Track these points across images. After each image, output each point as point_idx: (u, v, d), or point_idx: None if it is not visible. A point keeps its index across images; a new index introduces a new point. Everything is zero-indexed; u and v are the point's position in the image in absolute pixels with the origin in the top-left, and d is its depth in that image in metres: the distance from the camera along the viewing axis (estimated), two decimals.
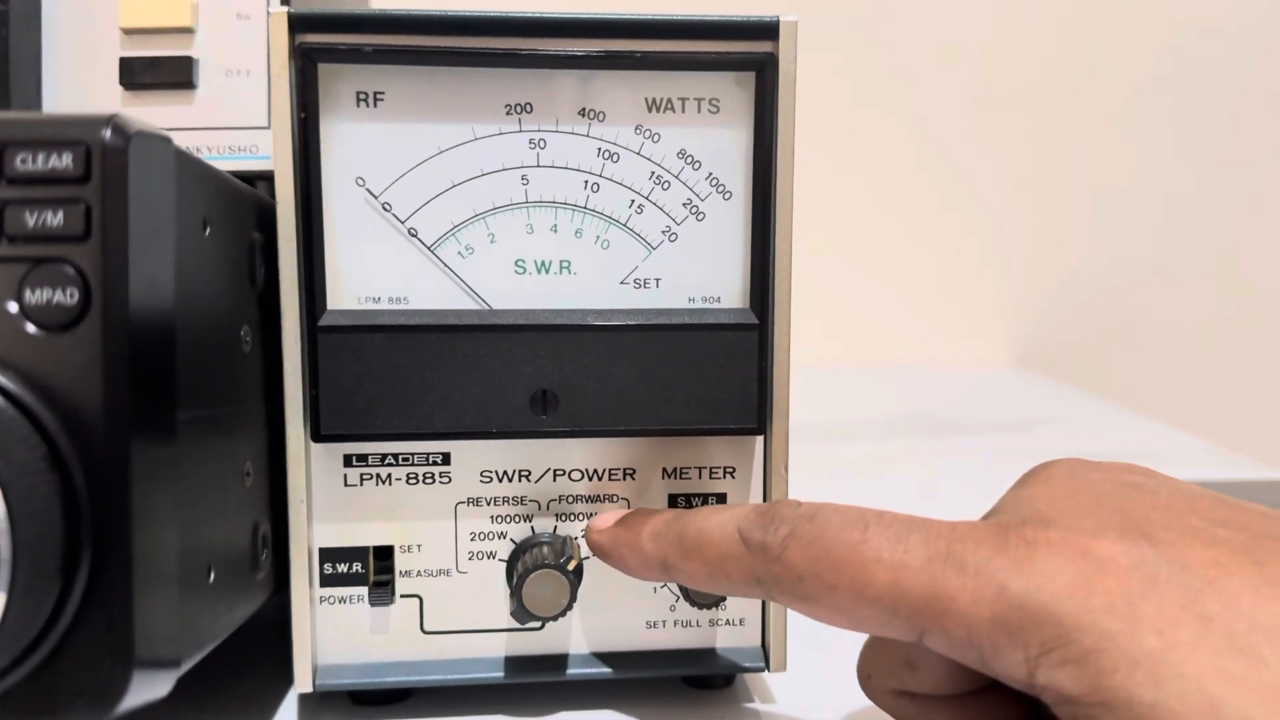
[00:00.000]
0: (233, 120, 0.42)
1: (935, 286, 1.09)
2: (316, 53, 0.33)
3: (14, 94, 0.41)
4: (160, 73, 0.42)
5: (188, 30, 0.42)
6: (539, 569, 0.34)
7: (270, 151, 0.42)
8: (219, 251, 0.30)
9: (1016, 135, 1.11)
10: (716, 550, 0.30)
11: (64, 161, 0.24)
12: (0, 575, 0.21)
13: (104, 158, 0.24)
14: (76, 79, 0.42)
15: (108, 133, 0.24)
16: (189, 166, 0.28)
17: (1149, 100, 1.13)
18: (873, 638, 0.32)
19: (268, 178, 0.41)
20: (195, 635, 0.28)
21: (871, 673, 0.32)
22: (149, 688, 0.25)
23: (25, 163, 0.24)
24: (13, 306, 0.24)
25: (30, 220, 0.24)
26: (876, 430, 0.80)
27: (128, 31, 0.42)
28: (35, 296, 0.24)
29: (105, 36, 0.42)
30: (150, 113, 0.42)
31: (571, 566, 0.35)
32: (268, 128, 0.42)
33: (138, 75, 0.42)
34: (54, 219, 0.24)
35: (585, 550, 0.36)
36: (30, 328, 0.24)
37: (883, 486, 0.66)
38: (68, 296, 0.24)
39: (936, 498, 0.62)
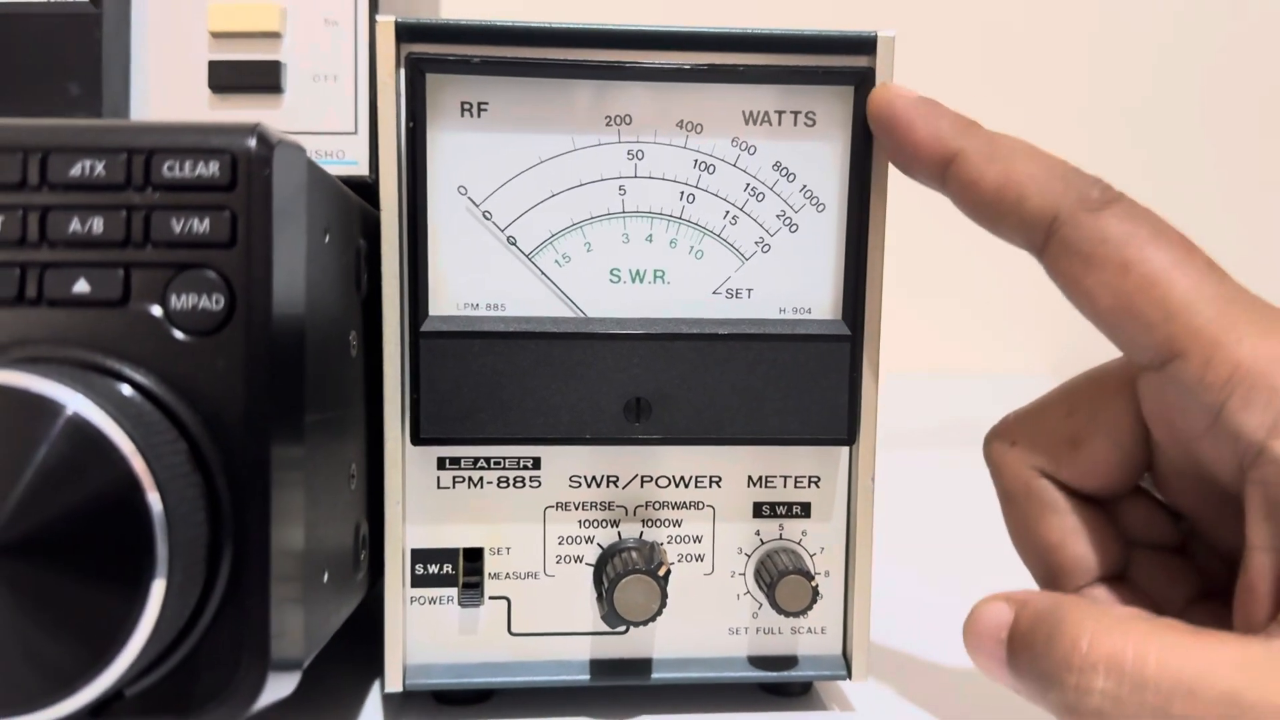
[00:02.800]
0: (319, 125, 0.42)
1: (973, 293, 1.09)
2: (426, 63, 0.33)
3: (106, 96, 0.42)
4: (248, 76, 0.42)
5: (275, 35, 0.42)
6: (631, 574, 0.35)
7: (357, 156, 0.42)
8: (335, 258, 0.30)
9: (1059, 142, 1.11)
10: (1029, 169, 0.29)
11: (210, 169, 0.24)
12: (158, 576, 0.22)
13: (250, 166, 0.24)
14: (165, 81, 0.43)
15: (253, 142, 0.25)
16: (316, 174, 0.28)
17: (1201, 111, 1.13)
18: (1037, 409, 0.32)
19: (354, 183, 0.41)
20: (313, 635, 0.28)
21: (1020, 440, 0.32)
22: (279, 688, 0.26)
23: (172, 170, 0.24)
24: (156, 310, 0.24)
25: (176, 226, 0.24)
26: (918, 438, 0.80)
27: (216, 35, 0.42)
28: (181, 302, 0.24)
29: (194, 40, 0.42)
30: (238, 116, 0.42)
31: (662, 572, 0.35)
32: (355, 133, 0.42)
33: (226, 78, 0.42)
34: (200, 225, 0.24)
35: (673, 556, 0.37)
36: (175, 332, 0.24)
37: (930, 496, 0.66)
38: (213, 302, 0.24)
39: (984, 510, 0.62)
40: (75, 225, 0.24)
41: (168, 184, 0.24)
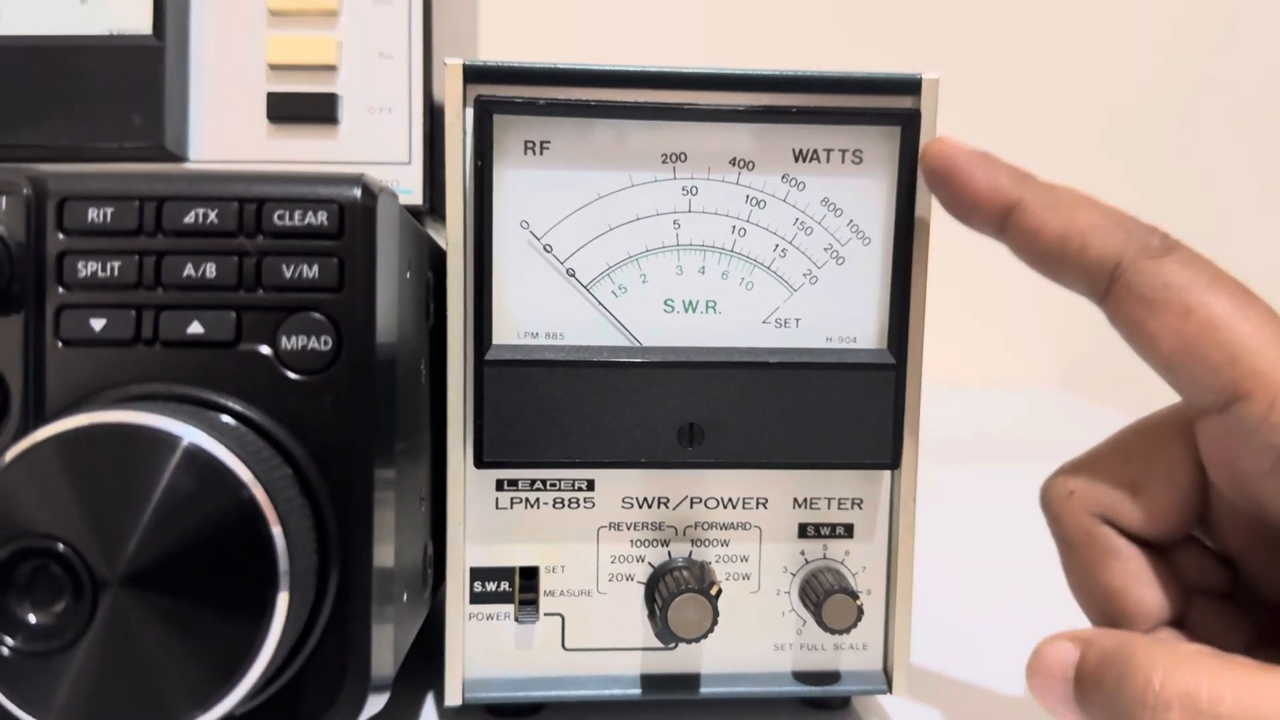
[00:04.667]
0: (374, 156, 0.44)
1: (982, 306, 1.11)
2: (494, 104, 0.35)
3: (167, 125, 0.43)
4: (305, 108, 0.44)
5: (332, 68, 0.44)
6: (685, 593, 0.36)
7: (411, 186, 0.44)
8: (413, 292, 0.32)
9: (1065, 155, 1.13)
10: (1090, 218, 0.30)
11: (319, 218, 0.26)
12: (281, 604, 0.23)
13: (356, 216, 0.26)
14: (224, 112, 0.44)
15: (358, 192, 0.26)
16: (403, 217, 0.30)
17: (1207, 121, 1.14)
18: (1095, 457, 0.33)
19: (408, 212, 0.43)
20: (396, 654, 0.30)
21: (1078, 488, 0.33)
22: (374, 706, 0.27)
23: (282, 219, 0.26)
24: (267, 350, 0.26)
25: (287, 272, 0.26)
26: (930, 452, 0.82)
27: (274, 67, 0.44)
28: (291, 343, 0.26)
29: (253, 72, 0.44)
30: (295, 146, 0.44)
31: (714, 591, 0.37)
32: (408, 163, 0.44)
33: (283, 110, 0.44)
34: (309, 271, 0.26)
35: (720, 575, 0.38)
36: (285, 371, 0.26)
37: (947, 512, 0.68)
38: (321, 343, 0.26)
39: (1006, 525, 0.64)
40: (189, 270, 0.26)
41: (278, 232, 0.26)
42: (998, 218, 0.32)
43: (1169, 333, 0.29)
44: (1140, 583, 0.32)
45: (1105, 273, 0.30)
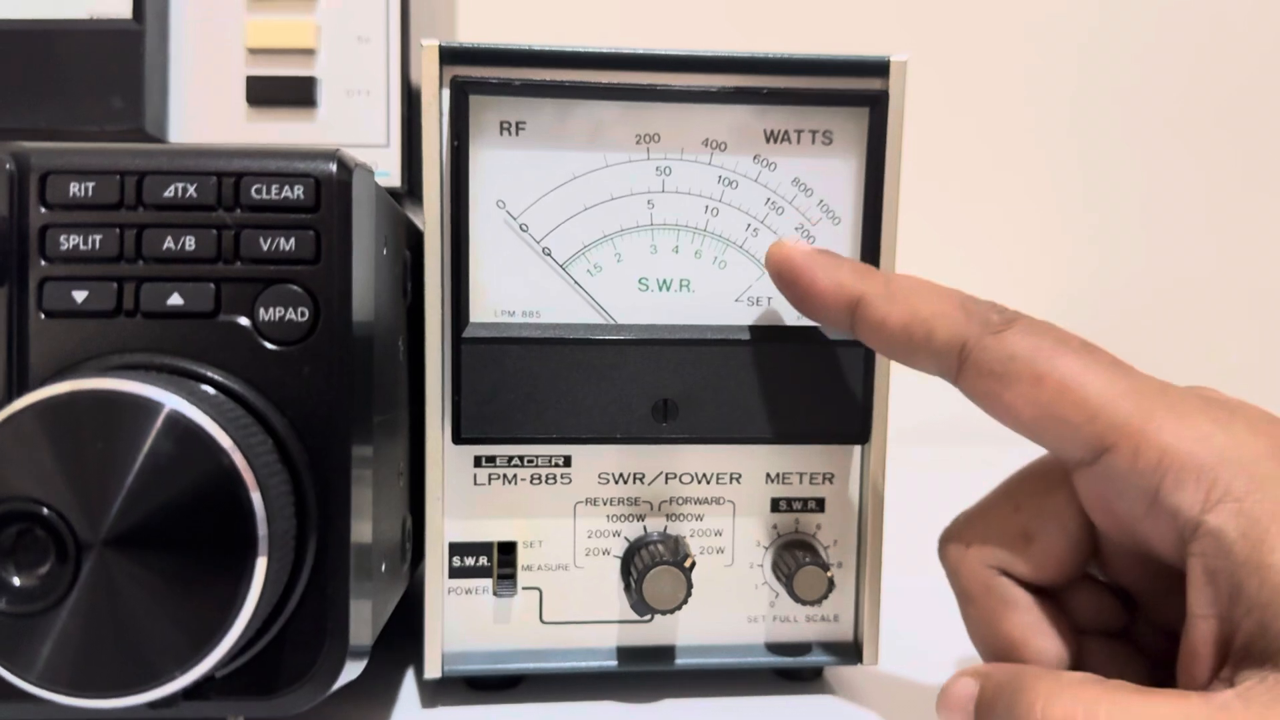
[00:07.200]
0: (352, 138, 0.44)
1: (963, 288, 1.11)
2: (470, 85, 0.35)
3: (147, 109, 0.43)
4: (284, 91, 0.44)
5: (310, 51, 0.44)
6: (659, 565, 0.37)
7: (389, 168, 0.44)
8: (390, 269, 0.33)
9: (1048, 139, 1.13)
10: (931, 306, 0.31)
11: (295, 192, 0.26)
12: (260, 568, 0.24)
13: (332, 189, 0.26)
14: (204, 95, 0.44)
15: (334, 166, 0.27)
16: (379, 193, 0.30)
17: (1185, 106, 1.14)
18: (985, 509, 0.34)
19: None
20: (375, 623, 0.30)
21: (973, 542, 0.34)
22: (351, 671, 0.28)
23: (260, 192, 0.26)
24: (245, 321, 0.26)
25: (264, 244, 0.26)
26: (911, 435, 0.82)
27: (253, 51, 0.44)
28: (269, 314, 0.26)
29: (232, 56, 0.44)
30: (273, 130, 0.44)
31: (688, 564, 0.37)
32: (386, 145, 0.44)
33: (262, 93, 0.44)
34: (286, 244, 0.26)
35: (695, 549, 0.39)
36: (263, 342, 0.26)
37: (924, 491, 0.69)
38: (298, 314, 0.26)
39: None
40: (169, 243, 0.26)
41: (255, 205, 0.26)
42: (844, 314, 0.33)
43: (1025, 401, 0.29)
44: (1038, 633, 0.33)
45: (954, 355, 0.31)
